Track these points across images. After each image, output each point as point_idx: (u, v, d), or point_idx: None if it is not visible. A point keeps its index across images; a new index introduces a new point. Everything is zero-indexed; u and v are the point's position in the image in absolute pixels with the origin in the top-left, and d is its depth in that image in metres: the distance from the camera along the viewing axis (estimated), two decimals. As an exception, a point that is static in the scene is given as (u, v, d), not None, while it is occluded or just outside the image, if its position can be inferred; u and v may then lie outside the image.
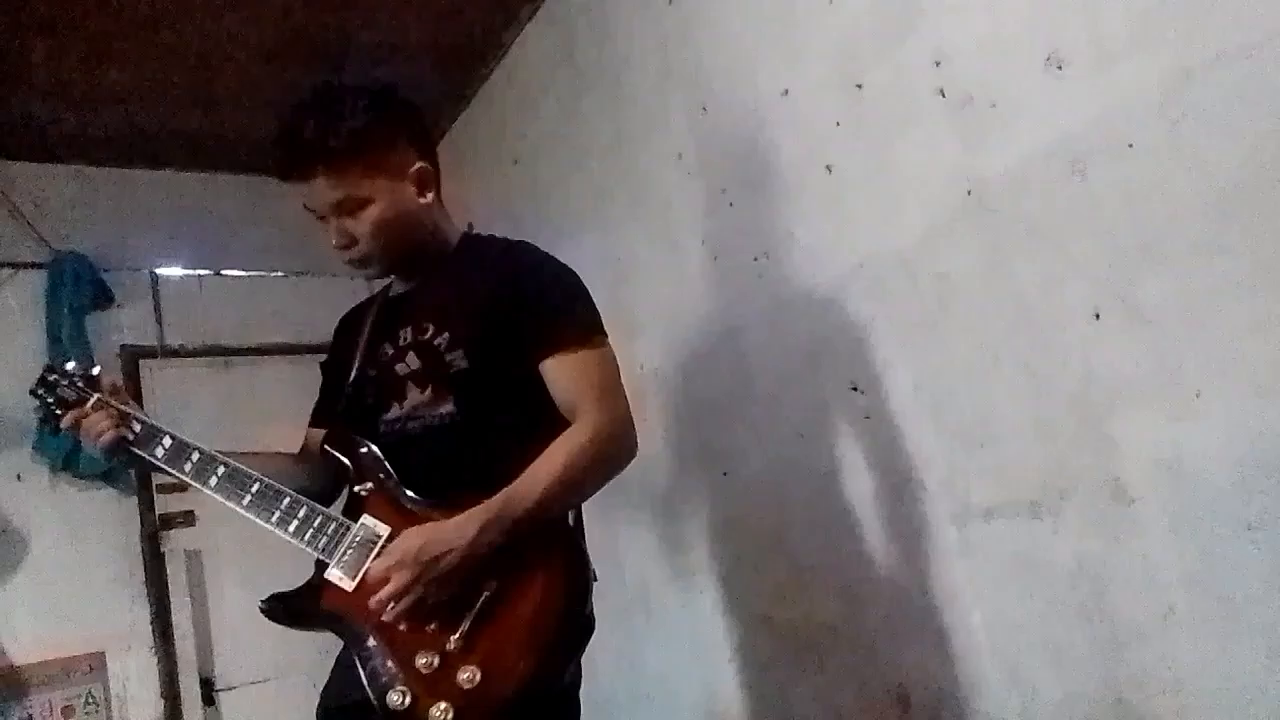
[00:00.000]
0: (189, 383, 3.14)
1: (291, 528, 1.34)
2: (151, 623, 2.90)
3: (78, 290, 2.93)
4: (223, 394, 3.18)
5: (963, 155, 1.59)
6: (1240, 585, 1.26)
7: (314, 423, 1.58)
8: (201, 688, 2.95)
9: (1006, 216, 1.53)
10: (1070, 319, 1.44)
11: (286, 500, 1.36)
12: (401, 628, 1.25)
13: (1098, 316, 1.41)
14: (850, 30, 1.78)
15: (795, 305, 1.95)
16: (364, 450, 1.40)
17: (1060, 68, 1.43)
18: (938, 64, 1.62)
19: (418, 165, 1.44)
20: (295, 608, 1.34)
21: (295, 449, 1.57)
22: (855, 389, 1.82)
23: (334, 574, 1.32)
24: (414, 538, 1.25)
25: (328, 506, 1.39)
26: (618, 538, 2.53)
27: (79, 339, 2.90)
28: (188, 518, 3.03)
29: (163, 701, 2.87)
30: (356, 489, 1.38)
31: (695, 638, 2.29)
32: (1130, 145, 1.35)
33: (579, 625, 1.30)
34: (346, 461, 1.40)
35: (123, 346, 3.07)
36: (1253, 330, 1.23)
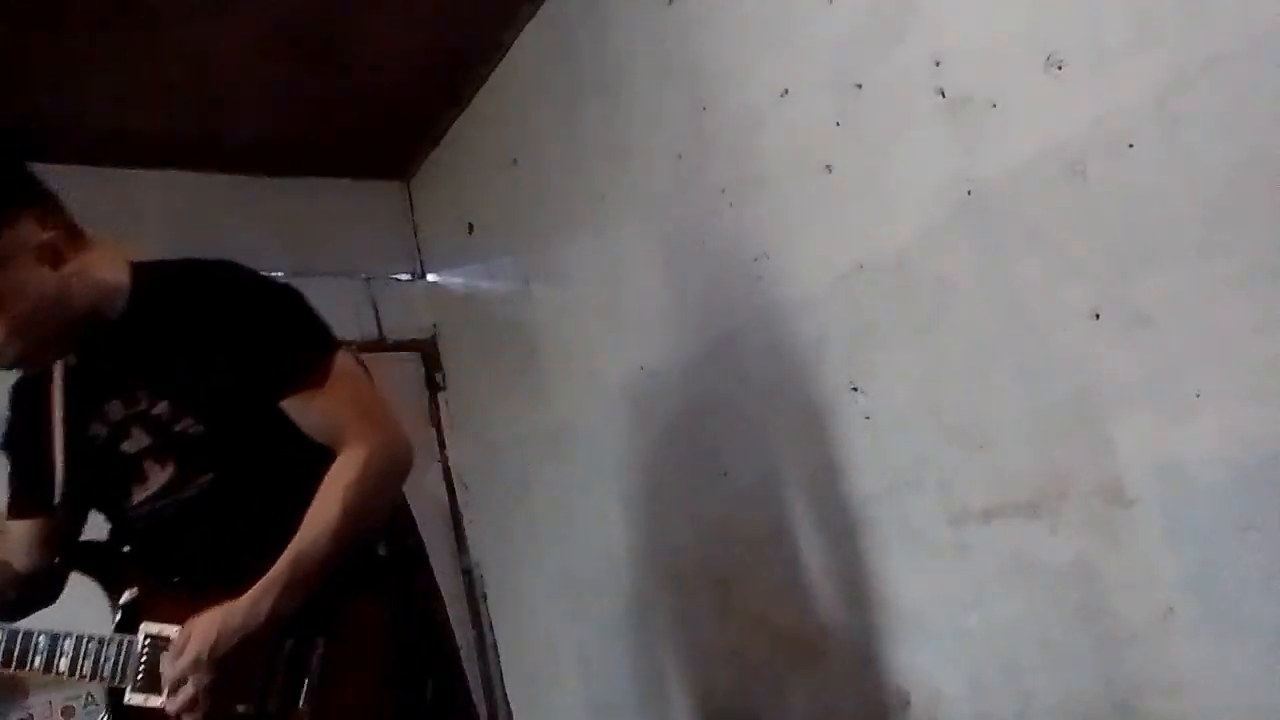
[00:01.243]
0: (188, 383, 3.14)
1: (63, 664, 1.21)
2: (151, 623, 2.90)
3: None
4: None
5: (962, 156, 1.59)
6: (1238, 586, 1.26)
7: (15, 514, 1.37)
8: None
9: (1005, 217, 1.53)
10: (1069, 320, 1.44)
11: (42, 638, 1.22)
12: (239, 716, 1.15)
13: (1096, 317, 1.41)
14: (849, 30, 1.77)
15: (794, 305, 1.95)
16: (111, 555, 1.28)
17: (1059, 68, 1.43)
18: (937, 64, 1.62)
19: (39, 239, 1.21)
20: None
21: None
22: (854, 389, 1.82)
23: (135, 699, 1.19)
24: (205, 630, 1.13)
25: (39, 606, 1.28)
26: (615, 539, 2.53)
27: (78, 339, 2.90)
28: (187, 518, 3.03)
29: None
30: (122, 599, 1.24)
31: (693, 638, 2.28)
32: (1129, 146, 1.35)
33: (421, 655, 1.24)
34: (97, 576, 1.27)
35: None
36: (1251, 331, 1.23)
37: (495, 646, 3.23)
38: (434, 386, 3.46)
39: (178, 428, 1.23)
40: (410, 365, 3.45)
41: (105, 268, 1.29)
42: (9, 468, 1.40)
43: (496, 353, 3.09)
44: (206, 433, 1.23)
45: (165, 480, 1.25)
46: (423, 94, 3.05)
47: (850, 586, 1.84)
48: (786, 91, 1.93)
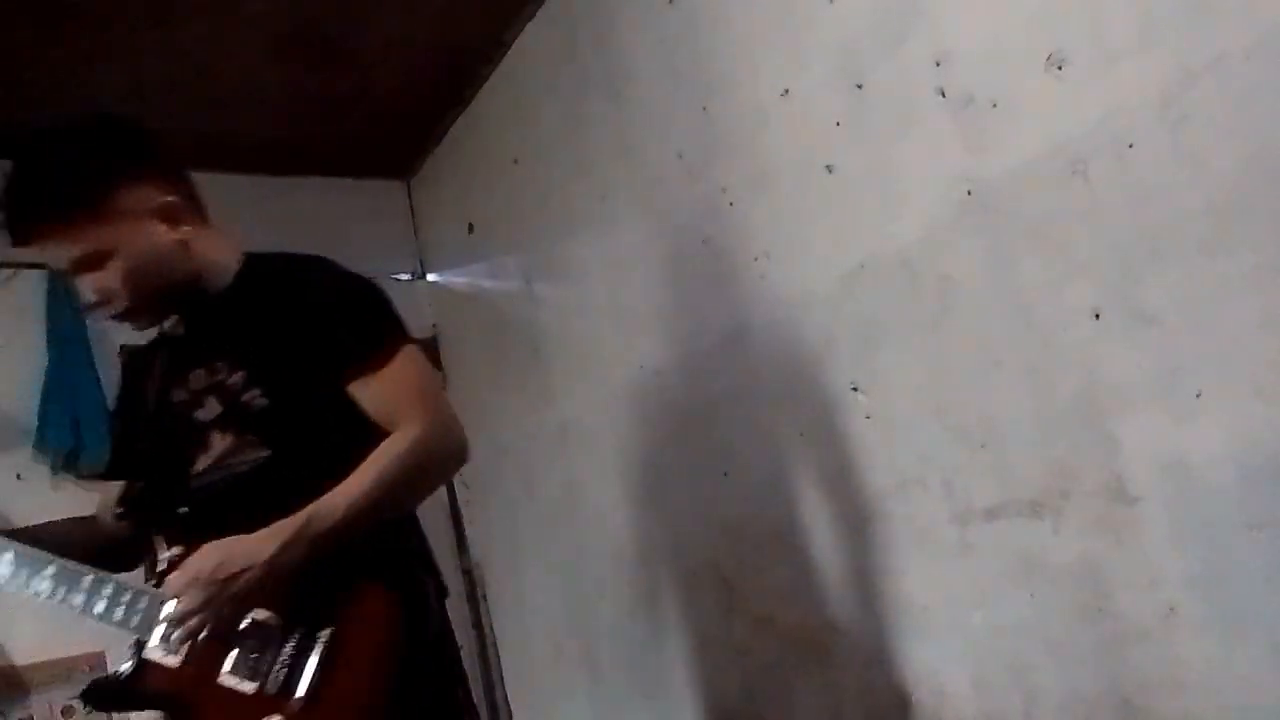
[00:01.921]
0: (189, 383, 3.14)
1: (98, 608, 1.25)
2: (152, 623, 2.90)
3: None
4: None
5: (964, 155, 1.59)
6: (1242, 585, 1.26)
7: (109, 474, 1.46)
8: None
9: (1008, 217, 1.53)
10: (1072, 319, 1.44)
11: (88, 579, 1.26)
12: (238, 696, 1.17)
13: (1099, 317, 1.41)
14: (851, 30, 1.78)
15: (796, 305, 1.95)
16: (168, 513, 1.31)
17: (1061, 68, 1.43)
18: (938, 64, 1.62)
19: (161, 200, 1.31)
20: (118, 693, 1.26)
21: None
22: (856, 389, 1.82)
23: (155, 652, 1.23)
24: (210, 553, 1.18)
25: (130, 569, 1.32)
26: (620, 538, 2.53)
27: (79, 339, 2.90)
28: (188, 518, 3.03)
29: (163, 702, 2.86)
30: (167, 556, 1.27)
31: (698, 638, 2.28)
32: (1131, 146, 1.35)
33: (426, 655, 1.25)
34: (150, 528, 1.32)
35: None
36: (1255, 330, 1.23)
37: (496, 646, 3.23)
38: (435, 386, 3.46)
39: (245, 397, 1.29)
40: (411, 365, 3.45)
41: (217, 247, 1.39)
42: (115, 431, 1.51)
43: (498, 352, 3.09)
44: (270, 407, 1.28)
45: (224, 450, 1.30)
46: (424, 93, 3.05)
47: (855, 585, 1.85)
48: (788, 91, 1.93)
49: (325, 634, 1.19)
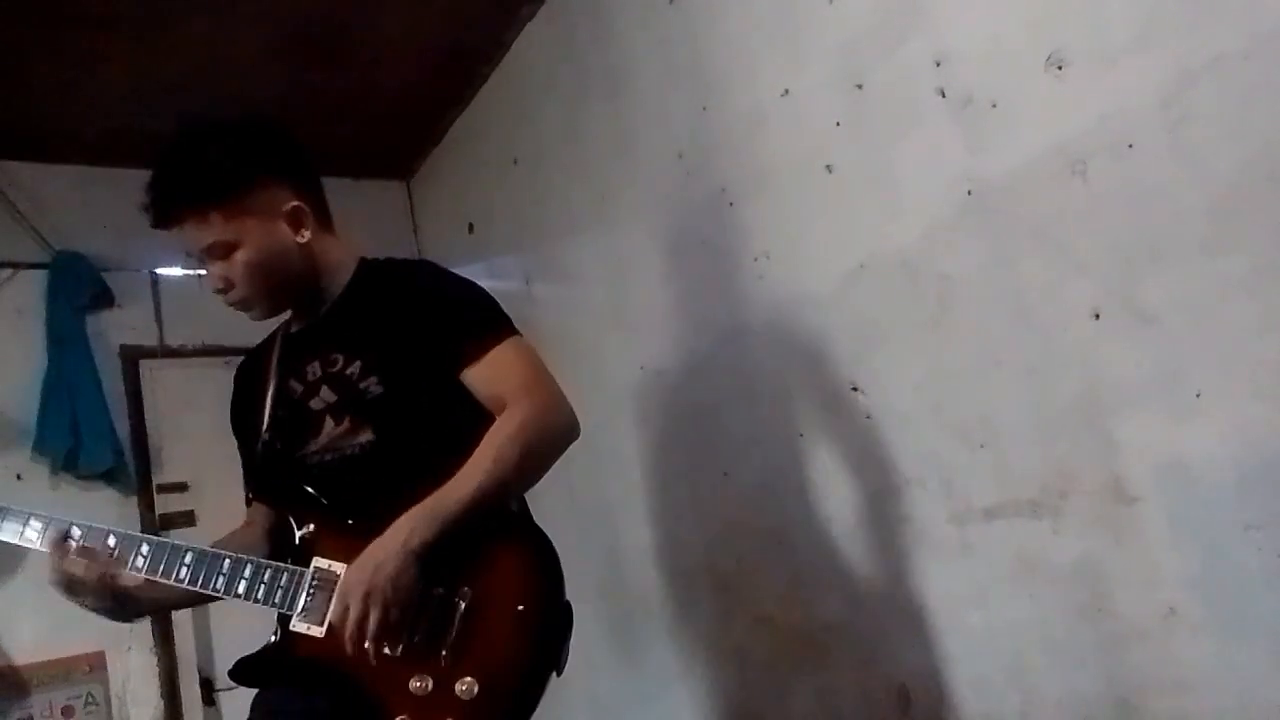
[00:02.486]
0: (189, 383, 3.13)
1: (241, 588, 1.30)
2: (151, 623, 2.89)
3: (78, 290, 2.93)
4: (223, 394, 3.15)
5: (963, 155, 1.59)
6: (1241, 585, 1.26)
7: (247, 478, 1.53)
8: (201, 688, 2.94)
9: (1007, 217, 1.53)
10: (1071, 319, 1.44)
11: (227, 562, 1.31)
12: (387, 658, 1.22)
13: (1099, 317, 1.41)
14: (851, 30, 1.78)
15: (795, 305, 1.95)
16: (295, 493, 1.37)
17: (1061, 68, 1.43)
18: (938, 64, 1.62)
19: (292, 204, 1.41)
20: (269, 667, 1.31)
21: None
22: (855, 389, 1.82)
23: (300, 625, 1.28)
24: (353, 571, 1.24)
25: (281, 556, 1.35)
26: (619, 539, 2.53)
27: (79, 339, 2.90)
28: (188, 518, 3.02)
29: (162, 701, 2.86)
30: (299, 534, 1.34)
31: (697, 638, 2.28)
32: (1131, 146, 1.35)
33: (561, 610, 1.31)
34: (281, 510, 1.39)
35: (123, 346, 3.07)
36: (1254, 330, 1.23)
37: (496, 646, 3.22)
38: (434, 386, 3.46)
39: (362, 384, 1.37)
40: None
41: (338, 251, 1.49)
42: (240, 449, 1.56)
43: (497, 352, 3.09)
44: (385, 394, 1.36)
45: (335, 434, 1.38)
46: (424, 93, 3.05)
47: (854, 585, 1.85)
48: (788, 91, 1.93)
49: (465, 593, 1.24)
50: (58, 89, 2.69)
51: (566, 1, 2.62)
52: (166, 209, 1.36)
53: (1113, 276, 1.39)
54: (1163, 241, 1.32)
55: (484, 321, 1.40)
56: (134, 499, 2.97)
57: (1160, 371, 1.34)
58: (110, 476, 2.91)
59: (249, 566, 1.31)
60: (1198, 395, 1.29)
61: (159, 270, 3.16)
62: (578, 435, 1.41)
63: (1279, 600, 1.22)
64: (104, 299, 3.03)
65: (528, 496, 1.46)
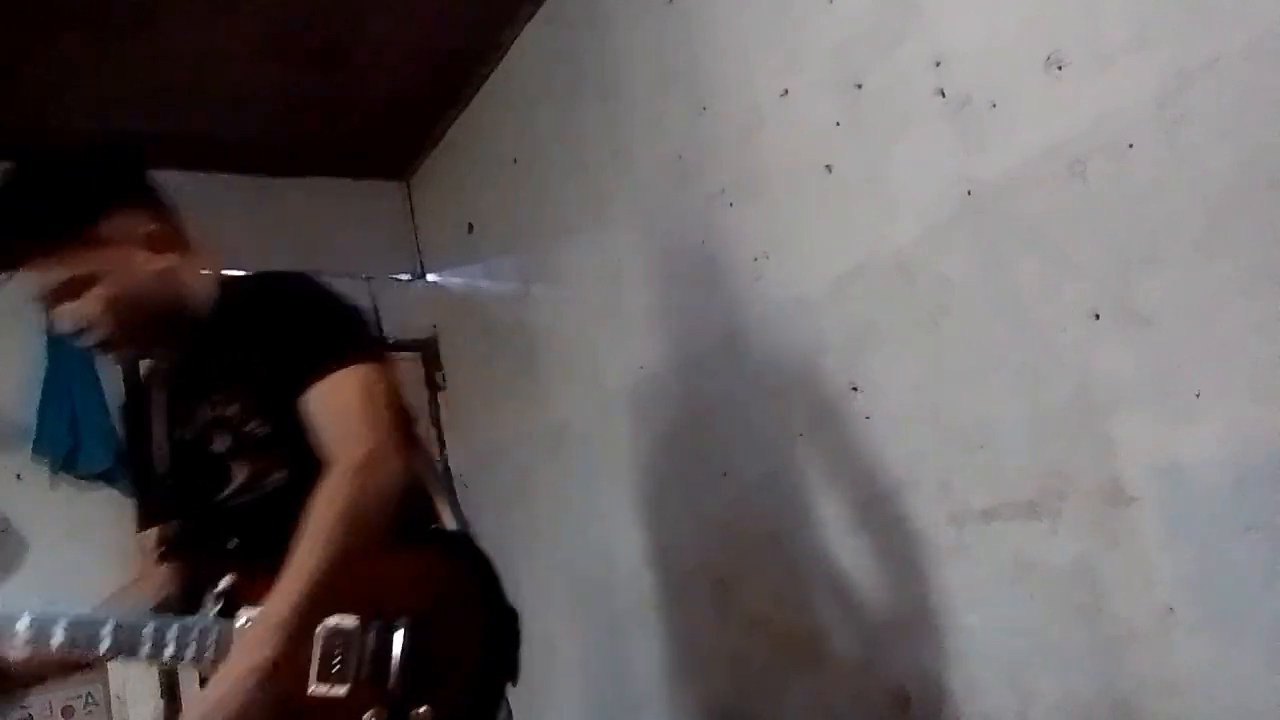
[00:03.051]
0: (189, 383, 3.14)
1: (168, 654, 1.22)
2: (151, 623, 2.90)
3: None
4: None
5: (962, 156, 1.59)
6: (1238, 587, 1.26)
7: (143, 525, 1.47)
8: (201, 688, 2.95)
9: (1005, 217, 1.53)
10: (1069, 320, 1.44)
11: (149, 627, 1.24)
12: (333, 700, 1.18)
13: (1096, 318, 1.41)
14: (849, 30, 1.77)
15: (793, 306, 1.95)
16: (212, 544, 1.32)
17: (1059, 69, 1.43)
18: (937, 64, 1.62)
19: (148, 227, 1.31)
20: None
21: None
22: (854, 389, 1.82)
23: None
24: (193, 711, 1.16)
25: (193, 611, 1.29)
26: (615, 540, 2.53)
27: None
28: (187, 518, 3.03)
29: (162, 701, 2.86)
30: (221, 586, 1.27)
31: (694, 639, 2.28)
32: (1129, 146, 1.35)
33: (505, 618, 1.28)
34: (195, 565, 1.33)
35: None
36: (1251, 332, 1.23)
37: (495, 646, 3.23)
38: (434, 386, 3.46)
39: (247, 428, 1.29)
40: (410, 365, 3.44)
41: (199, 274, 1.38)
42: (139, 502, 1.50)
43: (496, 353, 3.09)
44: (273, 433, 1.28)
45: (245, 477, 1.31)
46: (423, 94, 3.05)
47: (850, 587, 1.84)
48: (786, 92, 1.93)
49: (403, 620, 1.20)
50: (58, 89, 2.69)
51: (564, 3, 2.62)
52: (8, 248, 1.24)
53: (1110, 277, 1.38)
54: (1160, 242, 1.32)
55: (318, 346, 1.27)
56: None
57: (1157, 372, 1.33)
58: (109, 476, 2.91)
59: (173, 627, 1.23)
60: (1195, 396, 1.29)
61: (158, 270, 3.16)
62: (405, 479, 1.27)
63: (1276, 601, 1.22)
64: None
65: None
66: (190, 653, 1.23)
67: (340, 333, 1.31)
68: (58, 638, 1.24)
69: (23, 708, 2.66)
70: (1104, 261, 1.39)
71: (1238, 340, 1.24)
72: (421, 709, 1.17)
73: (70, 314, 1.27)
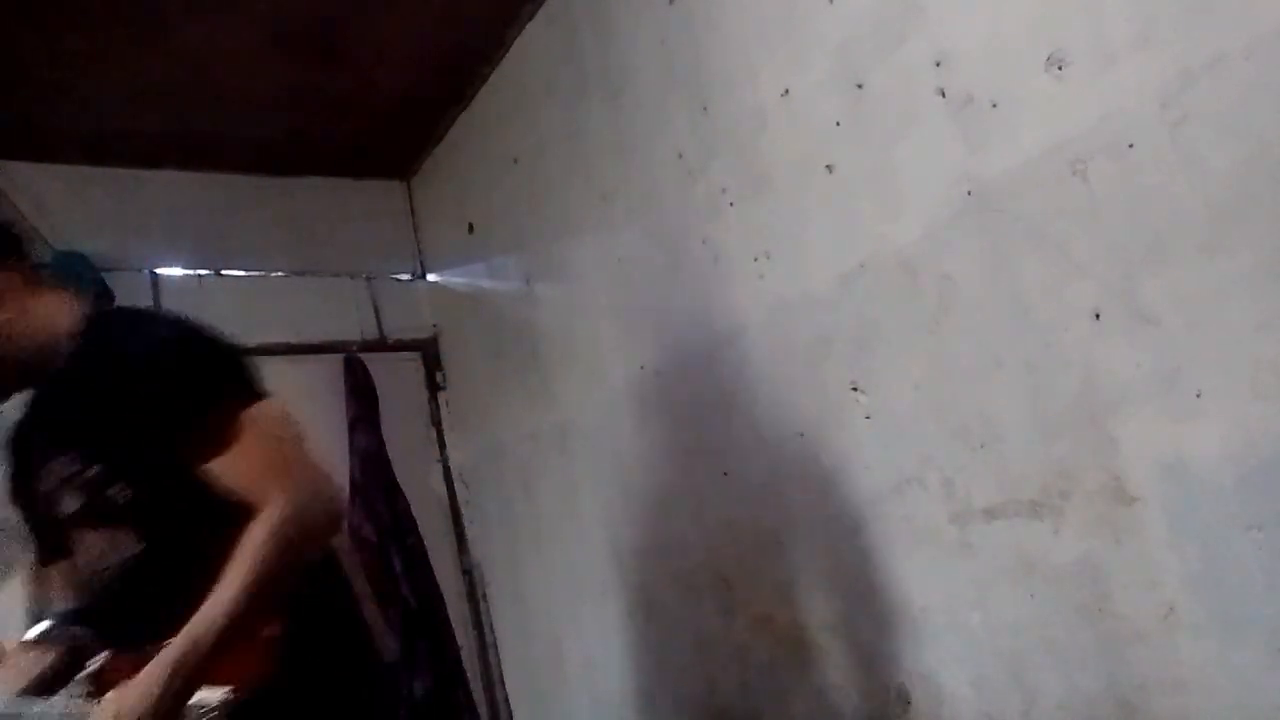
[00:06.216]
0: (189, 383, 3.14)
1: None
2: (152, 623, 2.90)
3: (78, 290, 2.92)
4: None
5: (963, 155, 1.59)
6: (1241, 585, 1.26)
7: (39, 561, 1.38)
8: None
9: (1007, 217, 1.53)
10: (1071, 319, 1.44)
11: (14, 712, 1.16)
12: None
13: (1099, 317, 1.41)
14: (851, 30, 1.78)
15: (795, 305, 1.95)
16: (73, 625, 1.25)
17: (1061, 68, 1.43)
18: (938, 64, 1.62)
19: None
20: None
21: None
22: (856, 389, 1.82)
23: None
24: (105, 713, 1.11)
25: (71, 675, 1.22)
26: (619, 538, 2.53)
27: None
28: (188, 518, 3.02)
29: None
30: (91, 665, 1.20)
31: (697, 638, 2.29)
32: (1131, 146, 1.35)
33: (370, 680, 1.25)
34: (62, 647, 1.24)
35: None
36: (1254, 331, 1.23)
37: (496, 646, 3.23)
38: (434, 386, 3.46)
39: (109, 492, 1.20)
40: (411, 365, 3.45)
41: (55, 314, 1.28)
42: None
43: (497, 353, 3.10)
44: (135, 499, 1.20)
45: (101, 547, 1.22)
46: (424, 93, 3.05)
47: (853, 585, 1.85)
48: (788, 91, 1.93)
49: (226, 692, 1.13)
50: (58, 89, 2.68)
51: (567, 1, 2.62)
52: None
53: (1113, 276, 1.39)
54: (1162, 241, 1.32)
55: (207, 399, 1.20)
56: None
57: (1160, 371, 1.34)
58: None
59: (34, 708, 1.16)
60: (1198, 395, 1.29)
61: (159, 270, 3.16)
62: (343, 518, 1.26)
63: (1279, 600, 1.22)
64: (104, 299, 3.02)
65: None
66: None
67: (214, 378, 1.23)
68: None
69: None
70: (1107, 260, 1.39)
71: (1241, 339, 1.24)
72: None
73: None
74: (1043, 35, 1.45)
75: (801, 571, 1.97)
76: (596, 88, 2.52)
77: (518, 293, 2.95)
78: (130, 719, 1.09)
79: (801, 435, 1.96)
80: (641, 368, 2.40)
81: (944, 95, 1.61)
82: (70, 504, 1.22)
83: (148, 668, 1.12)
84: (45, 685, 1.22)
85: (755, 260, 2.04)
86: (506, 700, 3.15)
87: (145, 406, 1.19)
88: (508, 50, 2.90)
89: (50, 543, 1.28)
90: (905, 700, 1.75)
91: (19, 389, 1.30)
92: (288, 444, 1.22)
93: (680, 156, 2.24)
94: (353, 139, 3.24)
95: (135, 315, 1.34)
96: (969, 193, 1.59)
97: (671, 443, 2.34)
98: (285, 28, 2.61)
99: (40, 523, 1.28)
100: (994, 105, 1.54)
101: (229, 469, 1.18)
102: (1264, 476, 1.23)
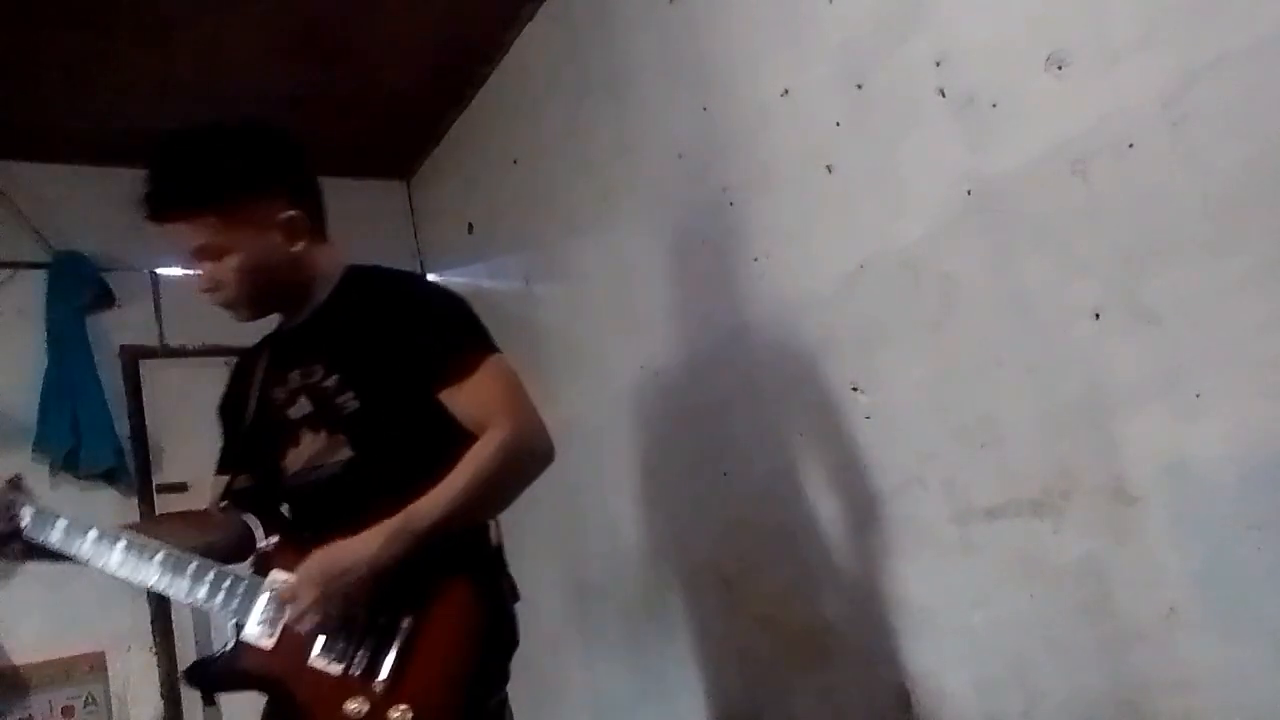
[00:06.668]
0: (189, 383, 3.13)
1: (201, 593, 1.32)
2: (151, 623, 2.89)
3: (78, 290, 2.92)
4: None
5: (964, 155, 1.59)
6: (1243, 585, 1.26)
7: (220, 469, 1.56)
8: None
9: (1009, 216, 1.53)
10: (1073, 319, 1.44)
11: (193, 565, 1.34)
12: (327, 677, 1.26)
13: (1100, 317, 1.41)
14: (851, 30, 1.78)
15: (796, 305, 1.95)
16: (266, 504, 1.42)
17: (1061, 68, 1.43)
18: (939, 64, 1.62)
19: (288, 214, 1.42)
20: (216, 673, 1.37)
21: None
22: (856, 389, 1.82)
23: (251, 633, 1.31)
24: (318, 557, 1.26)
25: (240, 560, 1.38)
26: (621, 538, 2.53)
27: (79, 339, 2.90)
28: (188, 518, 3.03)
29: (163, 701, 2.86)
30: (262, 544, 1.37)
31: (699, 638, 2.28)
32: (1132, 146, 1.35)
33: (500, 649, 1.33)
34: (249, 518, 1.42)
35: (123, 346, 3.07)
36: (1257, 330, 1.23)
37: (496, 646, 3.22)
38: (435, 386, 3.46)
39: (339, 399, 1.37)
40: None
41: (328, 259, 1.50)
42: (223, 444, 1.59)
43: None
44: (361, 410, 1.37)
45: (317, 448, 1.39)
46: (424, 93, 3.05)
47: (856, 585, 1.84)
48: (789, 91, 1.93)
49: (406, 622, 1.26)
50: (58, 89, 2.69)
51: (567, 1, 2.62)
52: (163, 205, 1.37)
53: (1114, 276, 1.39)
54: (1164, 241, 1.32)
55: (465, 340, 1.39)
56: (134, 499, 2.97)
57: (1162, 371, 1.34)
58: (110, 476, 2.91)
59: (211, 572, 1.33)
60: (1199, 395, 1.29)
61: (159, 270, 3.16)
62: (553, 461, 1.40)
63: (1281, 599, 1.22)
64: (104, 299, 3.02)
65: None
66: (219, 600, 1.32)
67: (474, 328, 1.42)
68: (118, 553, 1.35)
69: (23, 708, 2.66)
70: (1109, 260, 1.39)
71: (1244, 338, 1.24)
72: (401, 708, 1.21)
73: (205, 273, 1.40)
74: (1044, 35, 1.45)
75: (804, 571, 1.97)
76: (597, 88, 2.52)
77: (518, 293, 2.94)
78: (339, 565, 1.24)
79: (802, 435, 1.96)
80: (642, 368, 2.40)
81: (945, 95, 1.61)
82: (302, 407, 1.41)
83: (363, 534, 1.25)
84: (223, 548, 1.42)
85: (756, 260, 2.04)
86: (507, 699, 3.14)
87: (412, 331, 1.37)
88: (508, 50, 2.90)
89: (272, 439, 1.44)
90: (906, 700, 1.75)
91: (276, 311, 1.50)
92: (516, 388, 1.39)
93: (680, 156, 2.24)
94: (353, 139, 3.23)
95: (394, 270, 1.54)
96: (970, 192, 1.58)
97: (673, 442, 2.34)
98: (286, 28, 2.62)
99: (268, 422, 1.45)
100: (995, 105, 1.54)
101: (469, 397, 1.34)
102: (1265, 476, 1.23)
